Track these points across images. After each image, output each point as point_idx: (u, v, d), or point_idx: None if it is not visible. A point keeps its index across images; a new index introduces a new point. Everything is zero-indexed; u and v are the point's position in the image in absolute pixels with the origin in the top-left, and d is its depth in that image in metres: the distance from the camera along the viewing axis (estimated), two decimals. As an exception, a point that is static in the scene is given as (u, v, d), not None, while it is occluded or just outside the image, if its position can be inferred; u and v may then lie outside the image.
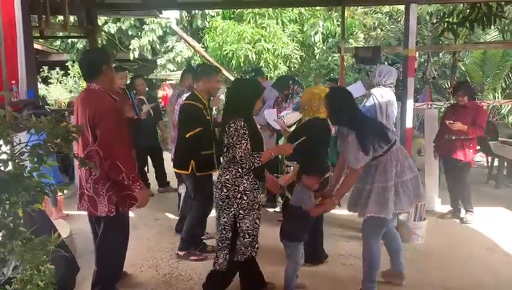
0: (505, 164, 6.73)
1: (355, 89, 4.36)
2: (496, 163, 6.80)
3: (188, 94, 4.26)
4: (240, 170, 3.01)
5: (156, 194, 6.25)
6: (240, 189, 3.01)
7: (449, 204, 5.20)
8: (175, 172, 4.42)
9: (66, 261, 3.15)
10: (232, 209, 3.02)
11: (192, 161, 3.84)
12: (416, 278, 3.60)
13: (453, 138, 4.91)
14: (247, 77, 6.96)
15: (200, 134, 3.76)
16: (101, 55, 3.13)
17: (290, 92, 4.97)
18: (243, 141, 2.93)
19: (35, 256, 1.68)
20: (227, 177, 3.03)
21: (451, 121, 4.85)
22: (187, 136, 3.79)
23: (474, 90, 5.50)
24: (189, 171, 3.86)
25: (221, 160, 3.18)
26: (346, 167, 3.34)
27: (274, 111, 4.87)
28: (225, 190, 3.02)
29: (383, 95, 4.22)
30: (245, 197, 3.01)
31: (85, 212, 3.14)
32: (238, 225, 3.04)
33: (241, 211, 3.02)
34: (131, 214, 5.31)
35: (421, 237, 4.37)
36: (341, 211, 4.05)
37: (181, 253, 4.02)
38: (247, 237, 3.05)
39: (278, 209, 5.33)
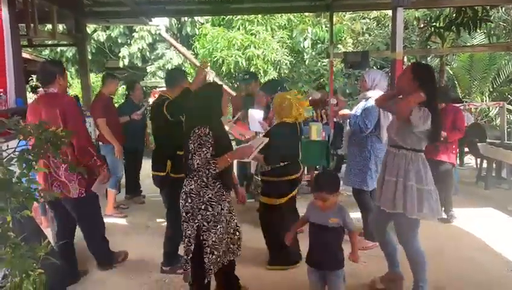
0: (494, 165, 6.81)
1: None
2: (484, 164, 6.87)
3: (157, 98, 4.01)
4: (204, 179, 2.87)
5: (147, 201, 6.21)
6: (205, 199, 2.86)
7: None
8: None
9: (56, 269, 3.10)
10: (196, 221, 2.86)
11: (168, 161, 3.66)
12: (407, 280, 3.60)
13: None
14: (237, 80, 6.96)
15: (176, 132, 3.38)
16: (56, 66, 3.54)
17: None
18: (203, 149, 2.80)
19: (25, 262, 1.67)
20: (191, 187, 2.89)
21: None
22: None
23: (450, 93, 5.73)
24: (165, 172, 3.69)
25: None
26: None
27: (259, 112, 4.71)
28: (189, 201, 2.88)
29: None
30: (210, 209, 2.86)
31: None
32: (201, 237, 2.86)
33: (205, 223, 2.85)
34: (123, 221, 5.38)
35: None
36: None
37: (165, 268, 3.85)
38: (215, 252, 2.88)
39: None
